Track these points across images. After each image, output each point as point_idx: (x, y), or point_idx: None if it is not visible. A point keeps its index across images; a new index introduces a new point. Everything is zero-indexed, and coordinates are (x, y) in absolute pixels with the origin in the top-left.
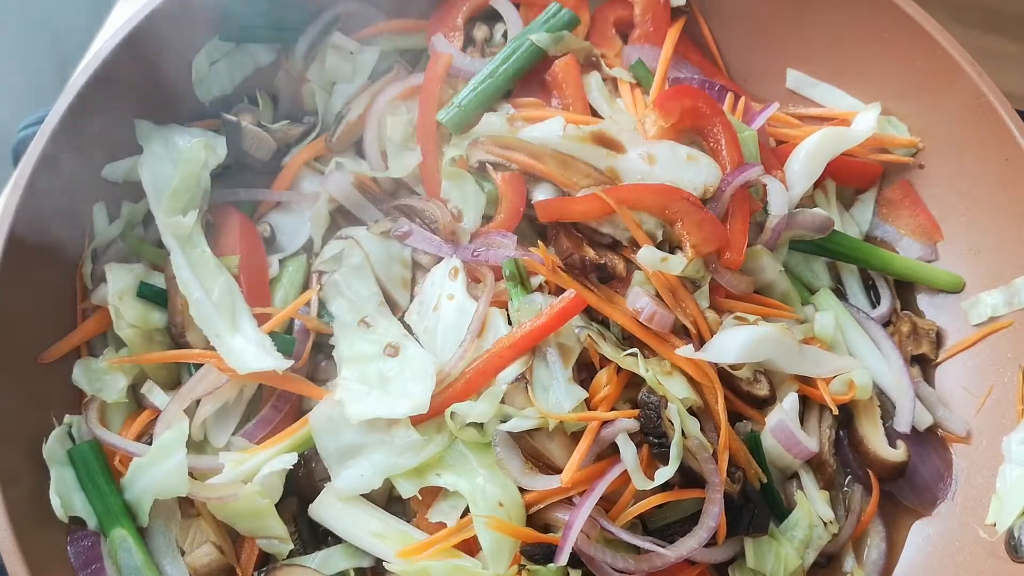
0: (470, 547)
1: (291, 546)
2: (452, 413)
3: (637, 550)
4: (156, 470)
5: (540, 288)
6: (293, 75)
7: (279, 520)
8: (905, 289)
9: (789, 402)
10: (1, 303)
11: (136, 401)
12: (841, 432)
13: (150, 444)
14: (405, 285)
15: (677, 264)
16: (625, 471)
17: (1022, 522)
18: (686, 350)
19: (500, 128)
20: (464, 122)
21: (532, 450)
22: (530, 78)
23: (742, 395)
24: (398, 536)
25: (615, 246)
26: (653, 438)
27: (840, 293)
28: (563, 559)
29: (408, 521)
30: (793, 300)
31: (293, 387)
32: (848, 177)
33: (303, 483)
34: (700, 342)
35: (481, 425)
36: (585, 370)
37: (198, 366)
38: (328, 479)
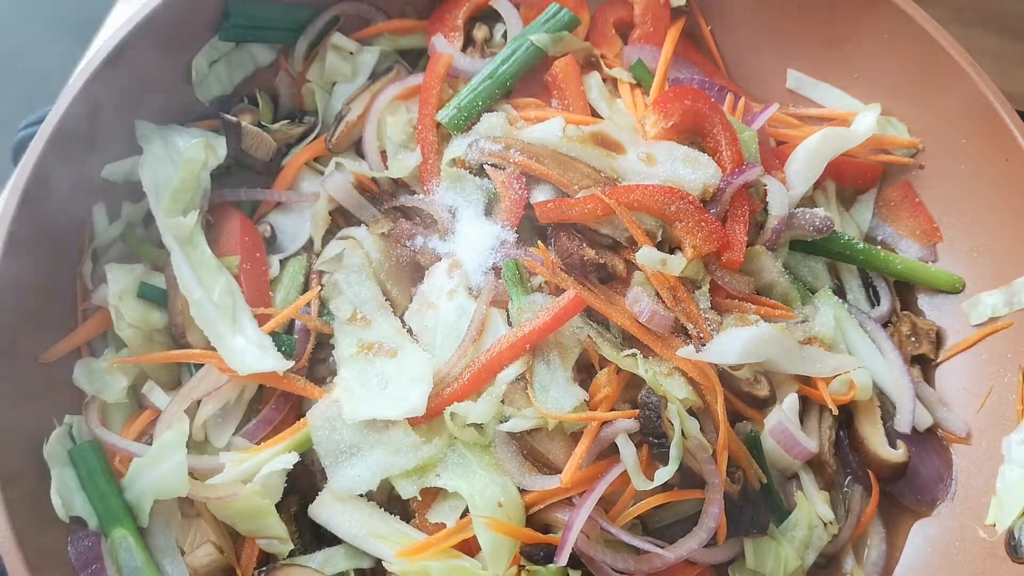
0: (470, 547)
1: (291, 546)
2: (452, 414)
3: (637, 551)
4: (156, 470)
5: (540, 288)
6: (293, 75)
7: (279, 520)
8: (905, 289)
9: (789, 403)
10: (1, 303)
11: (136, 401)
12: (841, 432)
13: (150, 444)
14: (405, 285)
15: (677, 264)
16: (625, 471)
17: (1022, 522)
18: (686, 351)
19: (500, 128)
20: (464, 122)
21: (532, 450)
22: (530, 78)
23: (742, 396)
24: (398, 536)
25: (615, 246)
26: (653, 438)
27: (840, 293)
28: (563, 559)
29: (408, 522)
30: (793, 300)
31: (293, 388)
32: (848, 177)
33: (303, 483)
34: (700, 343)
35: (481, 426)
36: (585, 370)
37: (199, 366)
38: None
